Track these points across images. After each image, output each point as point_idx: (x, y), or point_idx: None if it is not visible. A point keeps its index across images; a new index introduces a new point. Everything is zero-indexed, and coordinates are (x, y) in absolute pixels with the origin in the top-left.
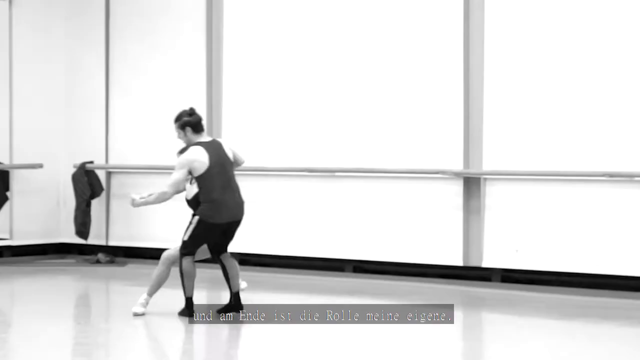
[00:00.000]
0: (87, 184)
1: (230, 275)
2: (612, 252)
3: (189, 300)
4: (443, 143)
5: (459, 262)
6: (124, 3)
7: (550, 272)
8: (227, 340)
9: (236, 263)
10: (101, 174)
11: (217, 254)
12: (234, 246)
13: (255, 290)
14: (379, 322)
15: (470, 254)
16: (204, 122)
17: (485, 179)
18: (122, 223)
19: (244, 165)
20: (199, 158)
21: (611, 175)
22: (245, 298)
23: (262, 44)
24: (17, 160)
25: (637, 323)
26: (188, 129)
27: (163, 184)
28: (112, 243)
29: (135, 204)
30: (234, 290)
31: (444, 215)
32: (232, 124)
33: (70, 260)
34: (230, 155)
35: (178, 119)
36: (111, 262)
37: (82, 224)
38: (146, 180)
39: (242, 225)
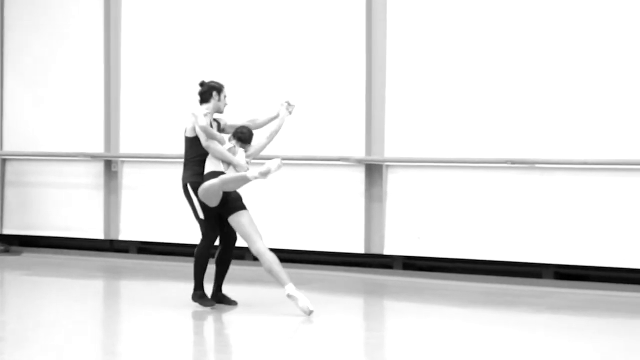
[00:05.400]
0: None
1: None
2: (512, 239)
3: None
4: (346, 130)
5: (360, 249)
6: None
7: (452, 259)
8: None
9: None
10: None
11: None
12: None
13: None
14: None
15: (372, 241)
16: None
17: (387, 165)
18: (18, 211)
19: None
20: None
21: (513, 162)
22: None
23: (159, 31)
24: None
25: (540, 309)
26: None
27: (58, 171)
28: (6, 232)
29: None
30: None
31: (346, 202)
32: (130, 113)
33: None
34: (185, 129)
35: None
36: (6, 252)
37: None
38: (42, 168)
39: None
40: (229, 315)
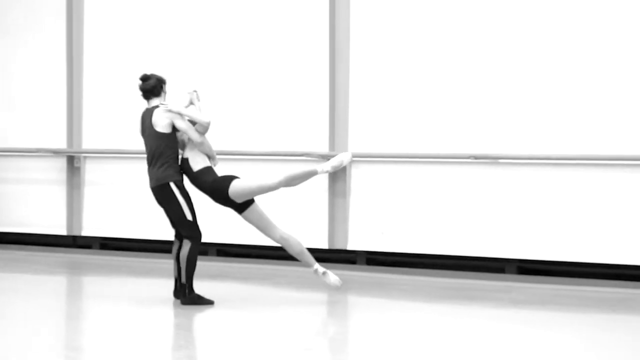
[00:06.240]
0: None
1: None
2: (476, 234)
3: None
4: (309, 126)
5: (324, 245)
6: None
7: (415, 255)
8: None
9: (184, 250)
10: None
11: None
12: None
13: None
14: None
15: (336, 236)
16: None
17: (351, 161)
18: None
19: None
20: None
21: (476, 157)
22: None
23: (122, 27)
24: None
25: (503, 304)
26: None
27: (20, 167)
28: None
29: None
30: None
31: (310, 198)
32: (92, 109)
33: None
34: (157, 125)
35: None
36: None
37: None
38: (4, 163)
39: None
40: (191, 311)
